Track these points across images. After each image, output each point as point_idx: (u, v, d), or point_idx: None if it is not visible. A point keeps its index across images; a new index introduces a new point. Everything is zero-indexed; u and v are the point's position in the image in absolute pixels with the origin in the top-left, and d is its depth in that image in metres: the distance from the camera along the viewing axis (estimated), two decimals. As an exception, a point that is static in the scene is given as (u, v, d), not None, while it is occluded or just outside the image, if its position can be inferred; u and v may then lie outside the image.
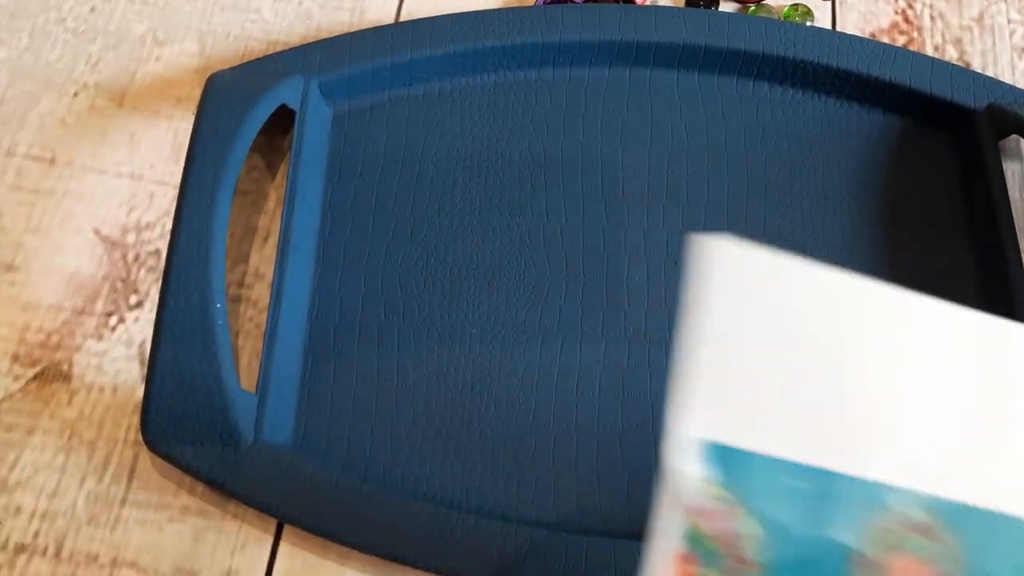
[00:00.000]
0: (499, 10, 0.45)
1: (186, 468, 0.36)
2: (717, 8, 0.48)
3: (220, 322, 0.37)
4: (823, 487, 0.17)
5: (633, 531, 0.36)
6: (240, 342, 0.40)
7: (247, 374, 0.40)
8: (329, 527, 0.35)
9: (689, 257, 0.18)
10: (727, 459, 0.17)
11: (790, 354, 0.18)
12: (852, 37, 0.45)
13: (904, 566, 0.17)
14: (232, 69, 0.43)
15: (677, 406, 0.17)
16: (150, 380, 0.36)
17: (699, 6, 0.48)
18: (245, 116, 0.40)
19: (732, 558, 0.17)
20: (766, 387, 0.18)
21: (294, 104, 0.42)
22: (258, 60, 0.44)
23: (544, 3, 0.47)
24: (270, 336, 0.38)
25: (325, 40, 0.44)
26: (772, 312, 0.18)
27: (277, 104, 0.41)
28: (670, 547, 0.17)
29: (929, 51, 0.48)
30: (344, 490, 0.36)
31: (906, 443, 0.18)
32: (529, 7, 0.45)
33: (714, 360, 0.17)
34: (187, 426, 0.36)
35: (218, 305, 0.37)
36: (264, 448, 0.36)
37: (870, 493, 0.17)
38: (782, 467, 0.17)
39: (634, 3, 0.48)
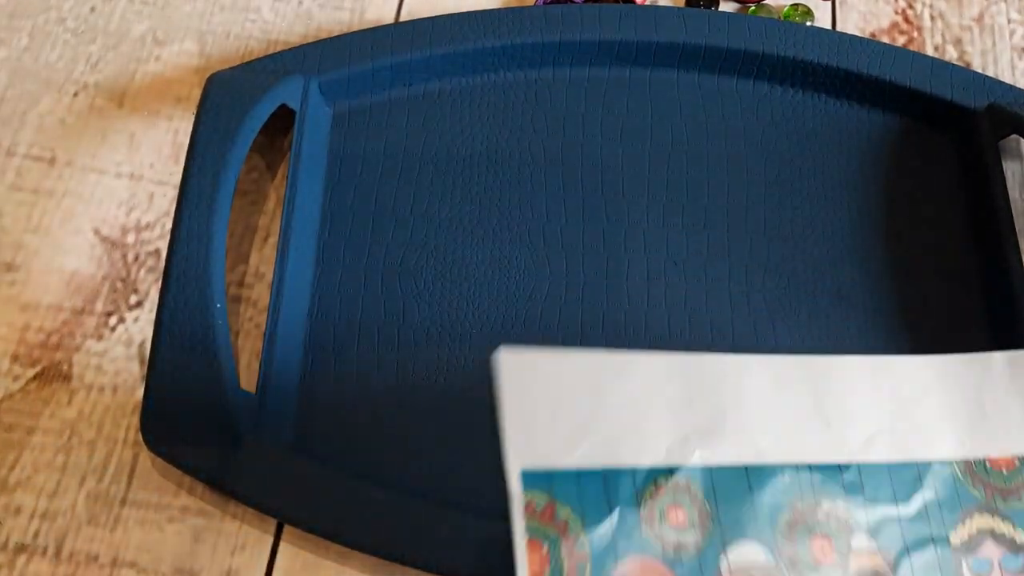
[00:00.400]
0: (499, 10, 0.45)
1: (186, 468, 0.36)
2: (717, 8, 0.48)
3: (220, 322, 0.37)
4: (606, 477, 0.28)
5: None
6: (240, 342, 0.40)
7: (247, 374, 0.40)
8: (329, 527, 0.35)
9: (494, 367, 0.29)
10: (539, 476, 0.27)
11: (565, 407, 0.28)
12: (852, 37, 0.45)
13: (676, 513, 0.28)
14: (232, 69, 0.43)
15: (505, 451, 0.27)
16: (150, 380, 0.36)
17: (699, 6, 0.48)
18: (245, 116, 0.40)
19: (563, 537, 0.27)
20: (556, 428, 0.28)
21: (294, 104, 0.42)
22: (258, 60, 0.44)
23: (544, 3, 0.47)
24: (270, 336, 0.38)
25: (325, 40, 0.44)
26: (549, 386, 0.28)
27: (277, 104, 0.41)
28: (523, 537, 0.27)
29: (929, 51, 0.48)
30: (344, 490, 0.36)
31: (653, 440, 0.29)
32: (529, 7, 0.45)
33: (519, 421, 0.28)
34: (187, 426, 0.36)
35: (218, 305, 0.37)
36: (264, 448, 0.36)
37: (638, 474, 0.28)
38: (575, 473, 0.28)
39: (634, 3, 0.48)
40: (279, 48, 0.47)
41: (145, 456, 0.38)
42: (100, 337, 0.40)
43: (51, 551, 0.37)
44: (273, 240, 0.42)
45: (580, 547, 0.27)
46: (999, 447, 0.31)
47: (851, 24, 0.48)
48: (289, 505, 0.36)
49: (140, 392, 0.39)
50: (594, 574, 0.27)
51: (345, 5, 0.48)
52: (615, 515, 0.28)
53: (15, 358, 0.40)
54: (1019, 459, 0.31)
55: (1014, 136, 0.43)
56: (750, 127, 0.45)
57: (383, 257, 0.42)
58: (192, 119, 0.41)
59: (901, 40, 0.48)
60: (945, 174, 0.44)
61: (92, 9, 0.48)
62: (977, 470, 0.31)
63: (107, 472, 0.38)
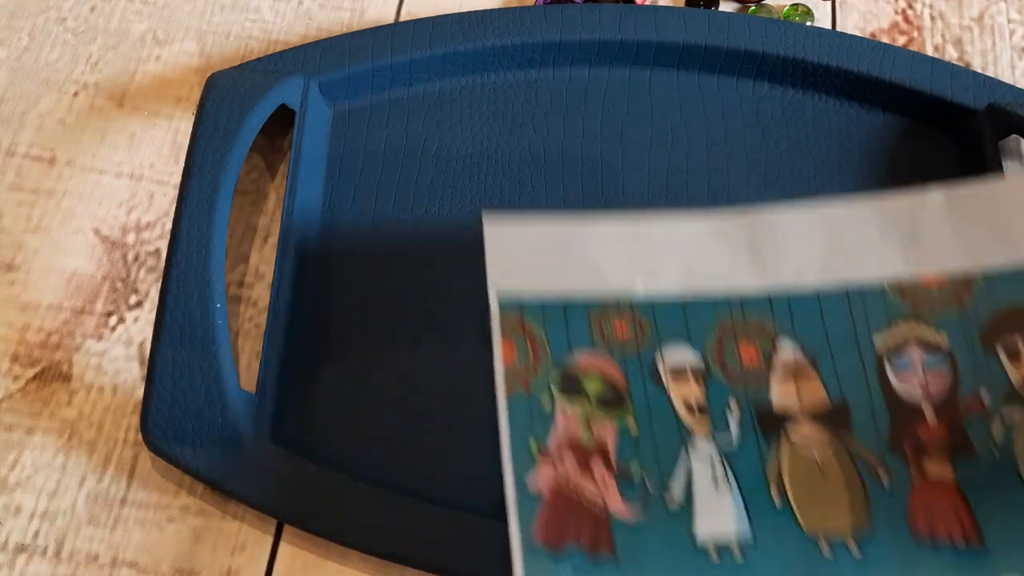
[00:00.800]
0: (499, 10, 0.45)
1: (185, 468, 0.36)
2: (717, 8, 0.48)
3: (220, 322, 0.37)
4: (566, 304, 0.35)
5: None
6: (240, 342, 0.40)
7: (247, 374, 0.40)
8: (329, 527, 0.35)
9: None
10: (513, 302, 0.35)
11: (536, 257, 0.35)
12: (852, 37, 0.45)
13: (620, 326, 0.34)
14: (232, 69, 0.43)
15: (488, 285, 0.35)
16: (150, 380, 0.36)
17: (699, 6, 0.48)
18: (245, 116, 0.40)
19: (529, 339, 0.34)
20: (527, 272, 0.35)
21: (294, 104, 0.42)
22: (258, 60, 0.44)
23: (544, 3, 0.47)
24: (270, 336, 0.38)
25: (325, 40, 0.44)
26: (524, 243, 0.35)
27: (277, 104, 0.41)
28: (499, 336, 0.34)
29: (929, 51, 0.48)
30: (344, 490, 0.36)
31: (605, 279, 0.35)
32: (529, 7, 0.45)
33: (498, 264, 0.35)
34: (187, 426, 0.36)
35: (218, 305, 0.37)
36: (264, 448, 0.36)
37: (591, 301, 0.35)
38: (540, 302, 0.35)
39: (634, 3, 0.48)
40: (279, 48, 0.47)
41: (145, 456, 0.38)
42: (100, 337, 0.40)
43: (51, 551, 0.37)
44: (273, 240, 0.42)
45: (542, 345, 0.34)
46: (930, 267, 0.34)
47: (851, 24, 0.48)
48: (289, 505, 0.36)
49: (140, 392, 0.39)
50: (553, 361, 0.34)
51: (345, 5, 0.48)
52: (570, 326, 0.34)
53: (15, 358, 0.40)
54: (949, 277, 0.33)
55: (1014, 136, 0.43)
56: (750, 127, 0.45)
57: (383, 257, 0.42)
58: (192, 119, 0.41)
59: (901, 40, 0.48)
60: (945, 174, 0.44)
61: (92, 9, 0.48)
62: (908, 288, 0.34)
63: (107, 472, 0.38)
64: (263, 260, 0.42)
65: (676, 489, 0.32)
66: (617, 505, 0.31)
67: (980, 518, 0.31)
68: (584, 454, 0.32)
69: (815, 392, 0.33)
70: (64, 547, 0.37)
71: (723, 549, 0.30)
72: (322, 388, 0.39)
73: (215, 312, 0.37)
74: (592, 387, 0.33)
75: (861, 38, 0.45)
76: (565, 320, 0.34)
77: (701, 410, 0.33)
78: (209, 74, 0.42)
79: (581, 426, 0.32)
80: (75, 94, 0.46)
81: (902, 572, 0.30)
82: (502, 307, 0.34)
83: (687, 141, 0.44)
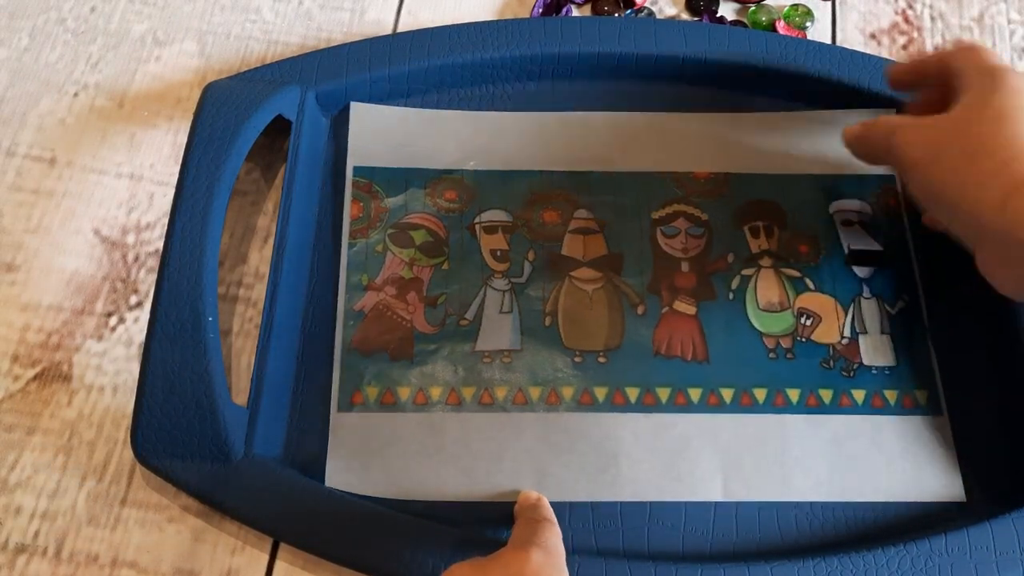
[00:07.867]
0: (497, 22, 0.44)
1: (176, 482, 0.36)
2: (717, 7, 0.48)
3: (212, 336, 0.36)
4: (407, 172, 0.43)
5: (627, 551, 0.37)
6: (240, 343, 0.40)
7: (245, 375, 0.40)
8: (320, 543, 0.35)
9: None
10: (365, 169, 0.43)
11: (389, 135, 0.43)
12: (854, 52, 0.44)
13: (450, 194, 0.43)
14: (228, 79, 0.42)
15: (348, 157, 0.43)
16: (140, 394, 0.36)
17: (699, 5, 0.48)
18: (240, 129, 0.39)
19: (373, 199, 0.42)
20: (380, 147, 0.43)
21: (290, 115, 0.42)
22: (255, 69, 0.43)
23: (540, 9, 0.47)
24: (262, 350, 0.38)
25: (322, 50, 0.44)
26: (381, 123, 0.44)
27: (273, 115, 0.41)
28: (350, 198, 0.42)
29: (929, 51, 0.48)
30: (336, 505, 0.36)
31: (443, 155, 0.44)
32: (527, 19, 0.45)
33: (358, 141, 0.43)
34: (177, 440, 0.36)
35: (210, 319, 0.36)
36: (255, 462, 0.36)
37: (429, 172, 0.43)
38: (388, 169, 0.43)
39: (634, 2, 0.48)
40: (279, 48, 0.47)
41: (145, 457, 0.38)
42: (100, 337, 0.40)
43: (51, 551, 0.37)
44: (273, 240, 0.42)
45: (383, 204, 0.42)
46: (701, 166, 0.43)
47: (851, 24, 0.48)
48: (280, 520, 0.35)
49: (140, 392, 0.39)
50: (391, 218, 0.42)
51: (345, 5, 0.48)
52: (408, 192, 0.43)
53: (15, 358, 0.40)
54: (711, 173, 0.43)
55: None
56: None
57: (377, 269, 0.41)
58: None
59: (901, 40, 0.48)
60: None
61: (92, 9, 0.48)
62: (682, 178, 0.43)
63: (107, 472, 0.38)
64: (263, 260, 0.42)
65: (470, 315, 0.40)
66: (421, 324, 0.40)
67: (710, 343, 0.40)
68: (403, 286, 0.41)
69: (598, 245, 0.42)
70: (64, 547, 0.37)
71: (496, 354, 0.40)
72: (314, 402, 0.39)
73: (207, 326, 0.36)
74: (418, 237, 0.41)
75: (863, 53, 0.44)
76: (406, 187, 0.42)
77: (503, 257, 0.41)
78: (207, 80, 0.42)
79: (404, 266, 0.41)
80: (75, 94, 0.46)
81: (638, 374, 0.39)
82: (356, 174, 0.43)
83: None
